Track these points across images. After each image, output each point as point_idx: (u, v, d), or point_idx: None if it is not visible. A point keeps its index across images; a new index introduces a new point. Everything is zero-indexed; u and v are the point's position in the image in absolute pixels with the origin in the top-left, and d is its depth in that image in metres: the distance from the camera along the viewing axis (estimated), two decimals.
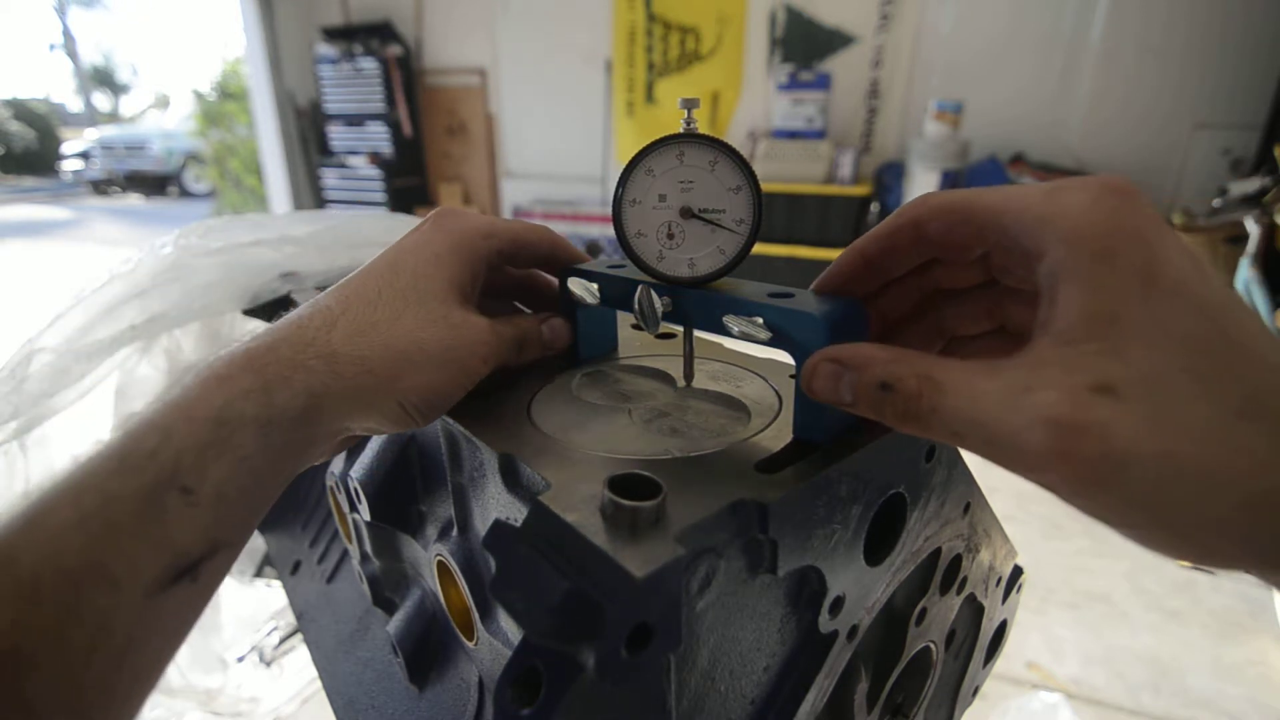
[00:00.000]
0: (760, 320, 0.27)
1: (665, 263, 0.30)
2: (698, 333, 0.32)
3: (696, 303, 0.30)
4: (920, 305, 0.28)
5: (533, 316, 0.34)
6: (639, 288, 0.30)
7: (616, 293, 0.32)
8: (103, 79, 17.18)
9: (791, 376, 0.34)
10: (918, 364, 0.20)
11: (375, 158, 3.97)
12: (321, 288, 0.34)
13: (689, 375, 0.34)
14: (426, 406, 0.27)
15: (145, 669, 0.21)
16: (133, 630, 0.20)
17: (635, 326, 0.31)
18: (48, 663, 0.18)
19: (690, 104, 0.30)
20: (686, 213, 0.30)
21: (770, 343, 0.27)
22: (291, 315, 0.27)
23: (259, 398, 0.23)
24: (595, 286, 0.33)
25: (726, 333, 0.28)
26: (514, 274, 0.37)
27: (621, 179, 0.30)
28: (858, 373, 0.21)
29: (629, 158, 0.29)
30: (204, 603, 0.23)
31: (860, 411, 0.22)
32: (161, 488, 0.21)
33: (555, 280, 0.35)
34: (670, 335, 0.40)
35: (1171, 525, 0.17)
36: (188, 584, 0.21)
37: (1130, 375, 0.17)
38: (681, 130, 0.29)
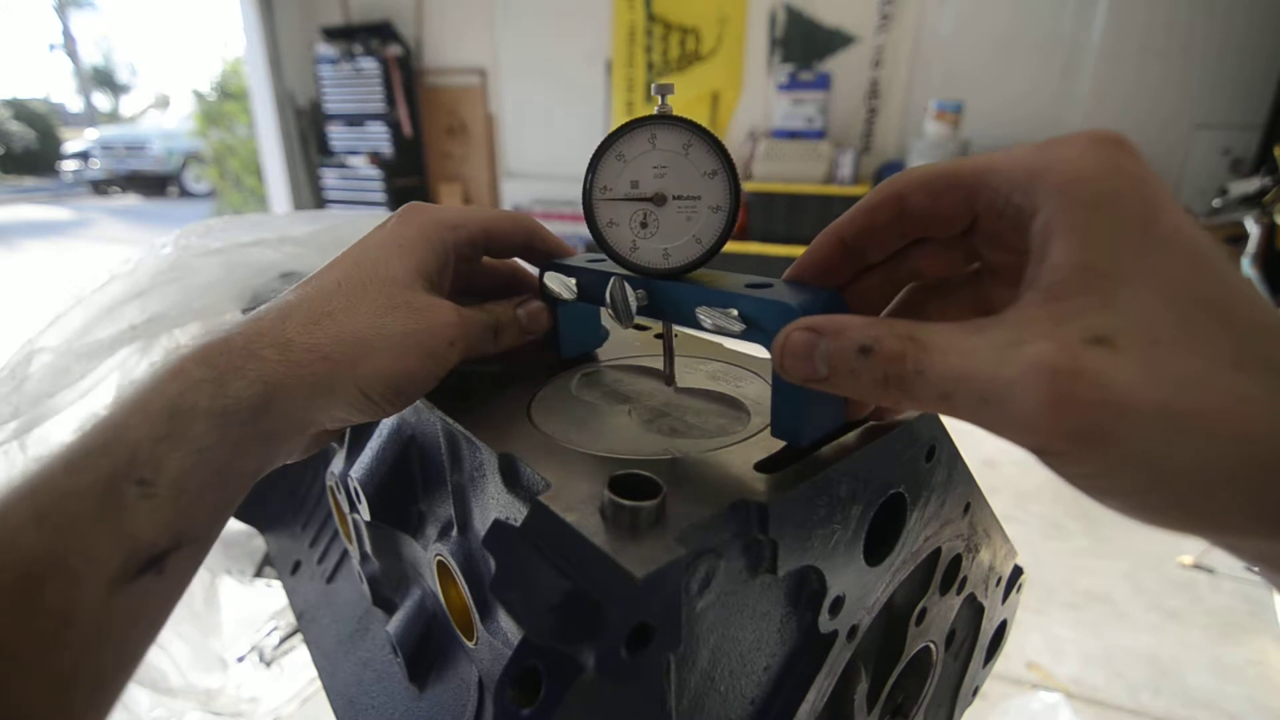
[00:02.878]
0: (734, 312, 0.25)
1: (639, 253, 0.29)
2: (695, 332, 0.32)
3: (672, 295, 0.28)
4: (898, 297, 0.27)
5: (508, 301, 0.33)
6: (611, 280, 0.29)
7: (595, 287, 0.31)
8: (103, 79, 17.19)
9: None
10: (898, 326, 0.19)
11: (375, 158, 3.97)
12: None
13: (670, 376, 0.33)
14: (391, 393, 0.27)
15: (114, 664, 0.21)
16: (98, 624, 0.20)
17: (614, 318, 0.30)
18: (9, 658, 0.18)
19: (664, 90, 0.28)
20: (660, 200, 0.28)
21: (745, 335, 0.26)
22: (251, 311, 0.27)
23: (211, 388, 0.23)
24: (573, 281, 0.32)
25: (700, 326, 0.27)
26: (499, 273, 0.36)
27: (591, 165, 0.29)
28: (833, 339, 0.20)
29: None
30: (174, 597, 0.23)
31: (837, 386, 0.20)
32: (117, 480, 0.21)
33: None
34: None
35: (1170, 484, 0.16)
36: (154, 577, 0.21)
37: (1126, 325, 0.16)
38: (655, 113, 0.28)
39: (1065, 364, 0.16)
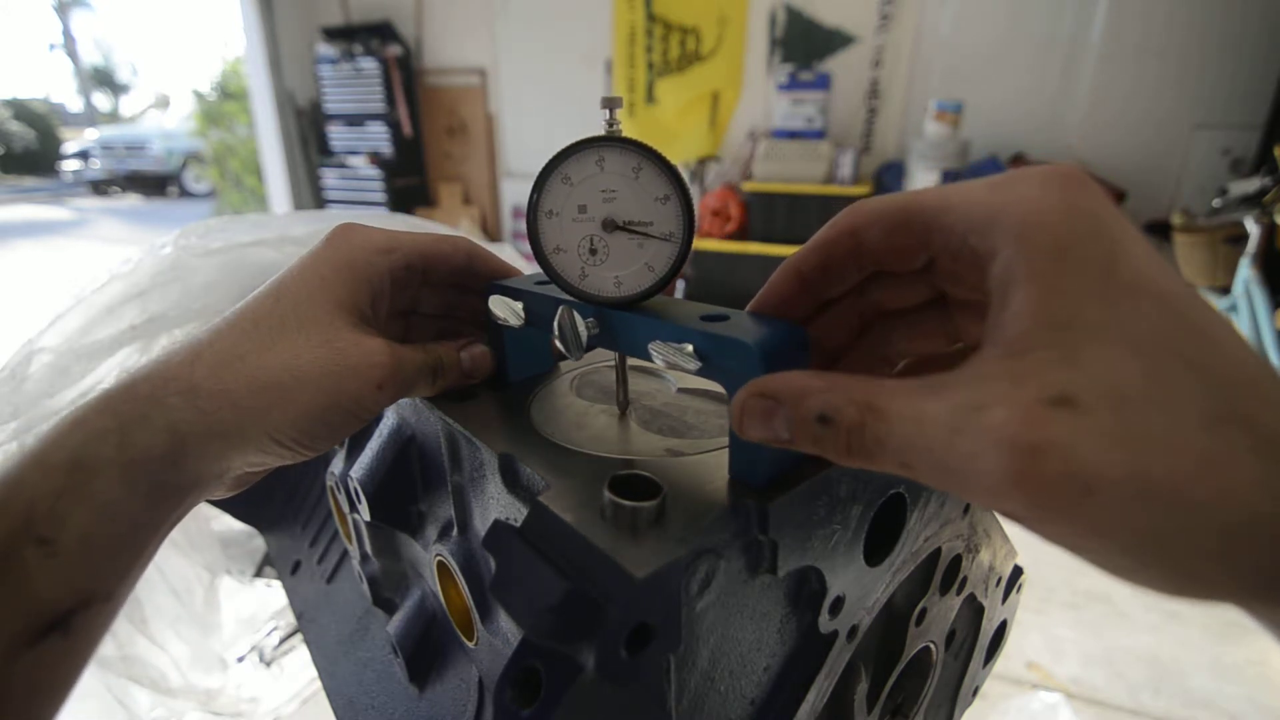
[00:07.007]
0: (689, 348, 0.24)
1: (588, 281, 0.27)
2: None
3: (624, 325, 0.27)
4: (863, 328, 0.26)
5: (451, 343, 0.32)
6: (560, 309, 0.27)
7: (543, 312, 0.29)
8: (103, 79, 17.20)
9: None
10: (856, 391, 0.18)
11: (375, 158, 3.97)
12: None
13: (624, 403, 0.31)
14: (306, 438, 0.26)
15: None
16: None
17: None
18: None
19: (612, 104, 0.26)
20: (610, 225, 0.27)
21: (701, 372, 0.24)
22: (159, 352, 0.26)
23: (115, 438, 0.22)
24: (520, 306, 0.30)
25: (652, 360, 0.26)
26: (449, 290, 0.34)
27: (536, 186, 0.27)
28: (793, 407, 0.19)
29: None
30: (83, 657, 0.22)
31: (801, 448, 0.19)
32: (14, 540, 0.20)
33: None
34: None
35: (1144, 552, 0.15)
36: (58, 639, 0.20)
37: (1090, 384, 0.15)
38: (603, 132, 0.26)
39: (1024, 436, 0.15)
